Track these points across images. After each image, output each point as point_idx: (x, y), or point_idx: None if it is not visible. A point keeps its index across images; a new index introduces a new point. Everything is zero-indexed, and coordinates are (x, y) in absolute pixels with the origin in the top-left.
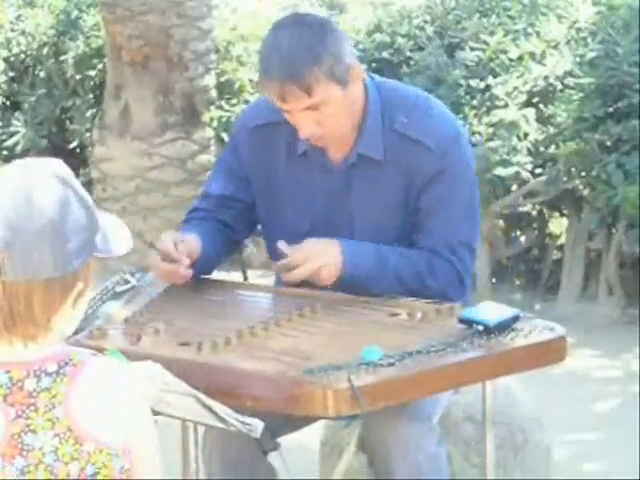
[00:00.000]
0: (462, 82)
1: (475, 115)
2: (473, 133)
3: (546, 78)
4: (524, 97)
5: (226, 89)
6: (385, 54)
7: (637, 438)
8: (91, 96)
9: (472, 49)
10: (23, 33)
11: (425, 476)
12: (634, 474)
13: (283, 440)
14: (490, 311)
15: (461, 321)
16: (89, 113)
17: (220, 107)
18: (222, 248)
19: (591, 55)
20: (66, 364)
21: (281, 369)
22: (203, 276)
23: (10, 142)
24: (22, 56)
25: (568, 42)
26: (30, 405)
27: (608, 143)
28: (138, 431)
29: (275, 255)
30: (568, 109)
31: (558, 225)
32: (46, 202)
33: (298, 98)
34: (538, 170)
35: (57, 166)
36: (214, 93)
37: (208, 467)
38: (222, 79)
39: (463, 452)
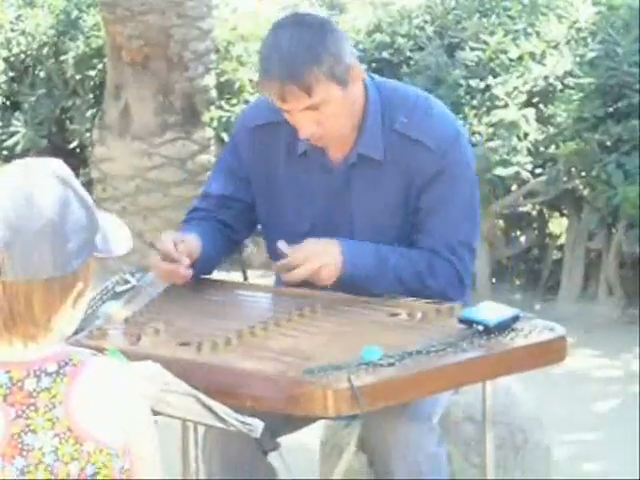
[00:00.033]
0: (462, 82)
1: (475, 115)
2: (473, 133)
3: (546, 78)
4: (524, 97)
5: (226, 89)
6: (385, 54)
7: (637, 438)
8: (91, 96)
9: (472, 49)
10: (23, 33)
11: (425, 476)
12: (634, 474)
13: (283, 440)
14: (490, 311)
15: (461, 321)
16: (89, 113)
17: (220, 107)
18: (222, 248)
19: (591, 55)
20: (66, 364)
21: (281, 369)
22: (203, 276)
23: (10, 142)
24: (22, 56)
25: (568, 42)
26: (30, 405)
27: (608, 143)
28: (138, 431)
29: (275, 255)
30: (568, 109)
31: (558, 225)
32: (46, 202)
33: (298, 98)
34: (538, 170)
35: (57, 166)
36: (214, 93)
37: (208, 467)
38: (222, 79)
39: (463, 452)
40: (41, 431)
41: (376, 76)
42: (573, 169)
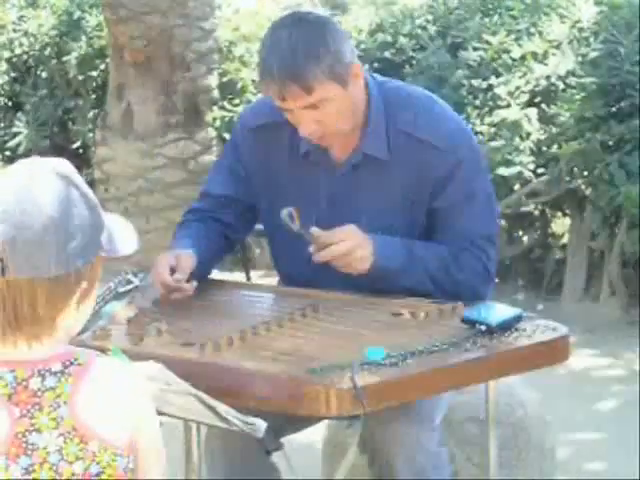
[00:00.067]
0: (464, 82)
1: (477, 115)
2: (475, 133)
3: (548, 78)
4: (526, 97)
5: (228, 89)
6: (387, 54)
7: (639, 438)
8: (93, 96)
9: (474, 49)
10: (25, 34)
11: (428, 476)
12: (636, 474)
13: (286, 440)
14: (493, 311)
15: (464, 321)
16: (91, 114)
17: (222, 107)
18: (218, 249)
19: (593, 55)
20: (71, 364)
21: (284, 369)
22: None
23: (12, 143)
24: (24, 57)
25: (570, 42)
26: (35, 404)
27: (610, 143)
28: (142, 430)
29: (278, 255)
30: (570, 109)
31: (561, 225)
32: (50, 201)
33: (298, 97)
34: (540, 170)
35: (62, 165)
36: (216, 93)
37: (211, 467)
38: (224, 79)
39: (466, 452)
40: (46, 430)
41: (378, 76)
42: (575, 169)
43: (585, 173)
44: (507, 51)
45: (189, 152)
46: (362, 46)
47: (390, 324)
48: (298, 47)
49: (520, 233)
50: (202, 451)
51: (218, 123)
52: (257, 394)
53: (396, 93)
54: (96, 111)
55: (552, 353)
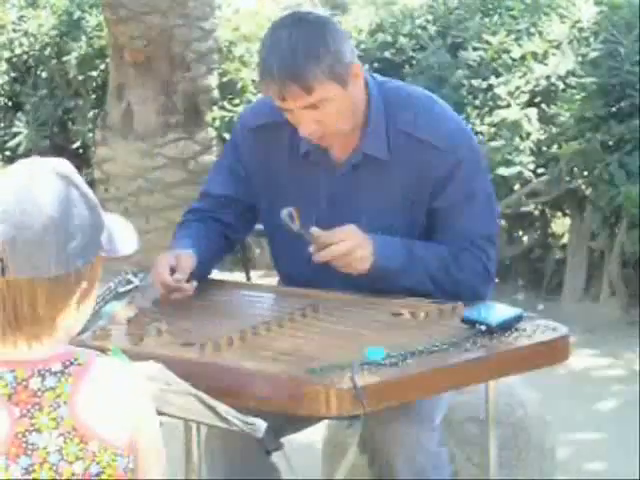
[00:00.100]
0: (464, 82)
1: (477, 115)
2: (475, 133)
3: (548, 78)
4: (526, 97)
5: (228, 89)
6: (387, 54)
7: (639, 438)
8: (93, 97)
9: (474, 49)
10: (25, 34)
11: (427, 476)
12: (636, 474)
13: (286, 440)
14: (493, 311)
15: (464, 321)
16: (91, 114)
17: (223, 107)
18: (218, 250)
19: (593, 55)
20: (71, 364)
21: (284, 369)
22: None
23: (12, 143)
24: (24, 57)
25: (570, 42)
26: (35, 404)
27: (610, 143)
28: (143, 430)
29: (278, 255)
30: (570, 109)
31: (561, 225)
32: (50, 200)
33: (298, 97)
34: (540, 170)
35: (62, 165)
36: (216, 93)
37: (211, 467)
38: (224, 79)
39: (466, 452)
40: (46, 430)
41: (378, 76)
42: (575, 169)
43: (585, 173)
44: (507, 51)
45: (189, 152)
46: (362, 46)
47: (390, 324)
48: (298, 47)
49: (520, 233)
50: (202, 451)
51: (218, 123)
52: (257, 394)
53: (396, 93)
54: (96, 111)
55: (552, 353)
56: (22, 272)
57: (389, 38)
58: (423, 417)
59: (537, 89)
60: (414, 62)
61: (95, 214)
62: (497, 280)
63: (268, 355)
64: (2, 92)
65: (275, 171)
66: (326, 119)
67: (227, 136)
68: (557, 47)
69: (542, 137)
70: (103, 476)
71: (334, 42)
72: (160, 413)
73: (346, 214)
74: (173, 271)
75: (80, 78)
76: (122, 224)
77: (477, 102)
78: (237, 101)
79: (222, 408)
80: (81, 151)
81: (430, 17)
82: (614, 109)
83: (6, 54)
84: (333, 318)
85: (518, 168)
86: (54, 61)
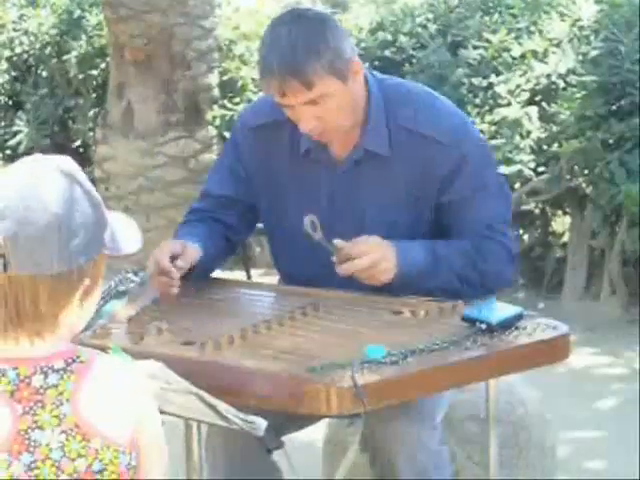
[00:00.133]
0: (465, 80)
1: (478, 113)
2: None
3: (549, 76)
4: (527, 95)
5: (229, 88)
6: (388, 52)
7: (639, 436)
8: (94, 95)
9: (475, 47)
10: (26, 33)
11: (429, 474)
12: (636, 472)
13: (287, 439)
14: (493, 309)
15: (464, 319)
16: (92, 112)
17: (223, 106)
18: (220, 250)
19: (594, 53)
20: (73, 361)
21: (284, 367)
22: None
23: (13, 142)
24: (25, 56)
25: (571, 40)
26: (37, 402)
27: (611, 141)
28: (144, 427)
29: (278, 254)
30: (571, 107)
31: (561, 223)
32: (52, 197)
33: (298, 93)
34: (541, 168)
35: (65, 163)
36: (217, 92)
37: (212, 466)
38: (225, 78)
39: (467, 450)
40: (48, 427)
41: (378, 73)
42: (576, 167)
43: (585, 171)
44: (507, 49)
45: (189, 151)
46: (362, 44)
47: (390, 322)
48: (298, 43)
49: (521, 232)
50: (203, 450)
51: (218, 122)
52: (258, 393)
53: (396, 89)
54: (96, 110)
55: (552, 351)
56: (24, 268)
57: (389, 37)
58: (424, 415)
59: (537, 87)
60: (414, 61)
61: (98, 212)
62: None
63: (268, 354)
64: (3, 91)
65: (275, 170)
66: (326, 115)
67: (227, 134)
68: (557, 45)
69: (542, 135)
70: (105, 473)
71: (334, 38)
72: (161, 412)
73: (348, 211)
74: (173, 258)
75: (80, 77)
76: (126, 222)
77: (477, 100)
78: (237, 99)
79: (222, 407)
80: (82, 150)
81: (430, 15)
82: (614, 107)
83: (6, 53)
84: (333, 317)
85: (518, 166)
86: (54, 60)
